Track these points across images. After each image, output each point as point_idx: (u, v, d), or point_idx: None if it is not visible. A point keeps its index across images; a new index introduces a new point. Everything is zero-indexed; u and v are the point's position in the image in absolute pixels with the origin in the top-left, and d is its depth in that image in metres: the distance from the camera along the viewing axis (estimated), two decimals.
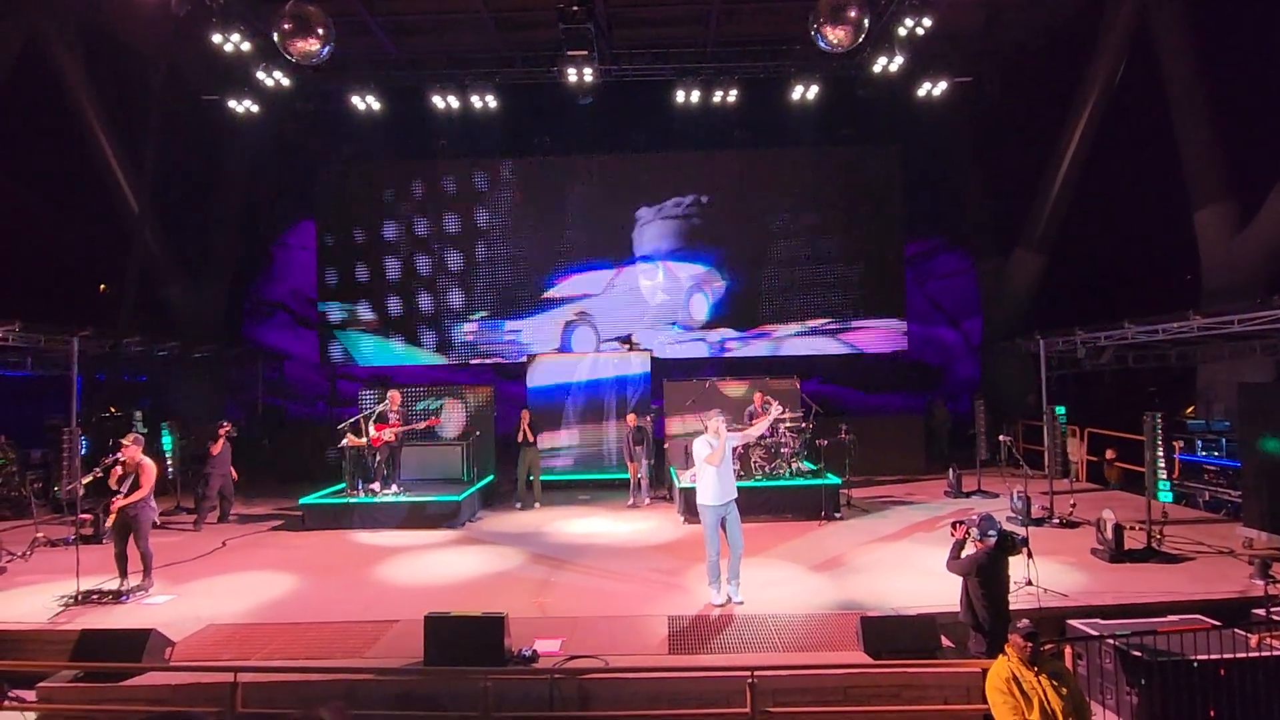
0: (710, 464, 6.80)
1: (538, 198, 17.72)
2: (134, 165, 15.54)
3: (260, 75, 12.86)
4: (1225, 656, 5.23)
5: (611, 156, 17.82)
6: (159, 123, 15.44)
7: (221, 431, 10.89)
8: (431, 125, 15.95)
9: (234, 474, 11.14)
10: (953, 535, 5.84)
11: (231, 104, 13.95)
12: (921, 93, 13.98)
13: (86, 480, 7.99)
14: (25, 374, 14.09)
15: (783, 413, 10.38)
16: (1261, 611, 6.01)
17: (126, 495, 7.37)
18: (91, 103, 14.78)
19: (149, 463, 7.56)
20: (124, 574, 7.46)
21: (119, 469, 7.41)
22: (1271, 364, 11.82)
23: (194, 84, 14.84)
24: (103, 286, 18.70)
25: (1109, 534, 8.06)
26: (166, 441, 12.57)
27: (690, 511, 10.29)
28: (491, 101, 14.33)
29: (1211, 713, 5.10)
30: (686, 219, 17.73)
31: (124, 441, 7.60)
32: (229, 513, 11.17)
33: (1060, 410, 10.65)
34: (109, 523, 7.41)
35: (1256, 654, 5.34)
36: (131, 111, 15.38)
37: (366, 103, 14.36)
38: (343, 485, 11.07)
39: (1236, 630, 5.47)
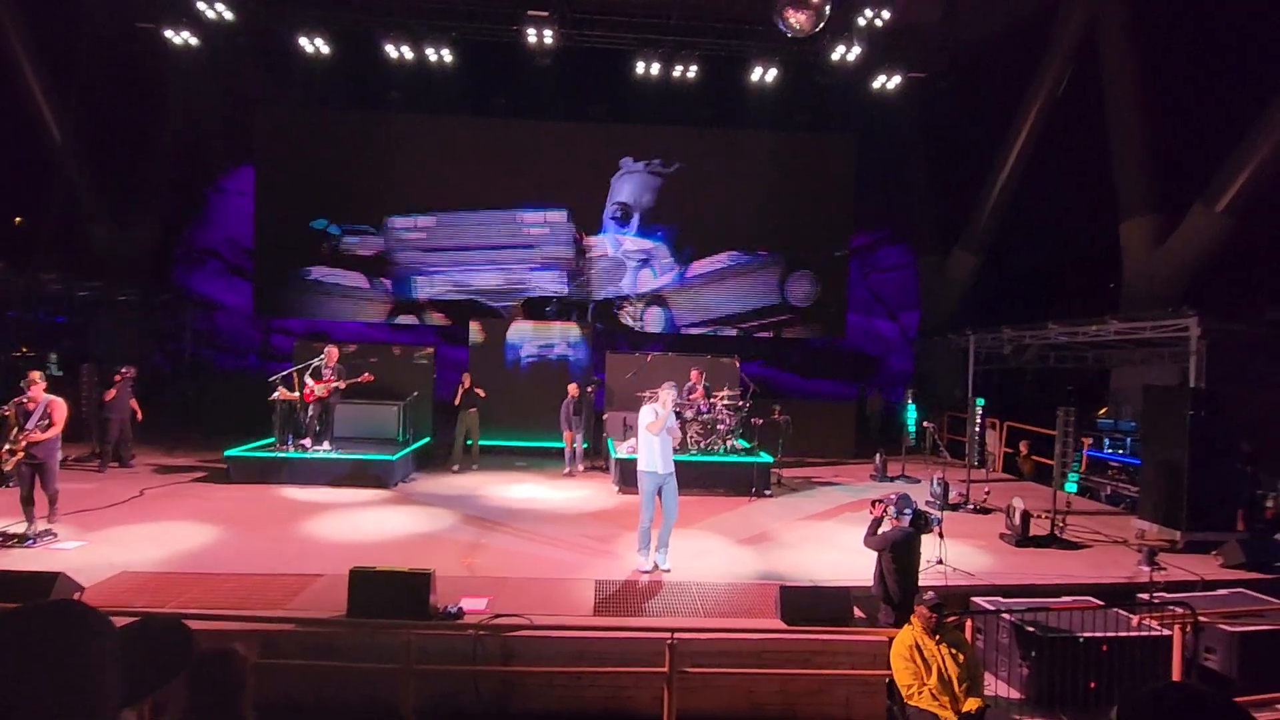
0: (650, 432, 6.92)
1: (490, 159, 17.36)
2: (58, 92, 14.58)
3: (201, 6, 12.21)
4: (1108, 634, 5.65)
5: (567, 124, 17.59)
6: (88, 48, 14.50)
7: (117, 377, 10.83)
8: (383, 75, 15.41)
9: (139, 412, 11.11)
10: (871, 513, 6.10)
11: (169, 34, 13.18)
12: (876, 85, 14.21)
13: None
14: None
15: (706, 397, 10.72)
16: (1145, 595, 6.49)
17: (39, 432, 7.07)
18: (13, 22, 13.78)
19: (60, 401, 7.26)
20: (30, 518, 7.17)
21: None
22: (1178, 370, 12.57)
23: (128, 9, 13.96)
24: (18, 219, 17.60)
25: (1017, 520, 8.54)
26: None
27: (625, 481, 10.43)
28: (447, 56, 13.95)
29: (1092, 685, 5.51)
30: (640, 193, 17.69)
31: (32, 378, 7.28)
32: (128, 459, 11.03)
33: (980, 402, 11.17)
34: (12, 463, 7.09)
35: (1136, 633, 5.78)
36: (58, 34, 14.40)
37: (315, 45, 13.77)
38: (272, 440, 10.81)
39: (1119, 610, 5.91)
